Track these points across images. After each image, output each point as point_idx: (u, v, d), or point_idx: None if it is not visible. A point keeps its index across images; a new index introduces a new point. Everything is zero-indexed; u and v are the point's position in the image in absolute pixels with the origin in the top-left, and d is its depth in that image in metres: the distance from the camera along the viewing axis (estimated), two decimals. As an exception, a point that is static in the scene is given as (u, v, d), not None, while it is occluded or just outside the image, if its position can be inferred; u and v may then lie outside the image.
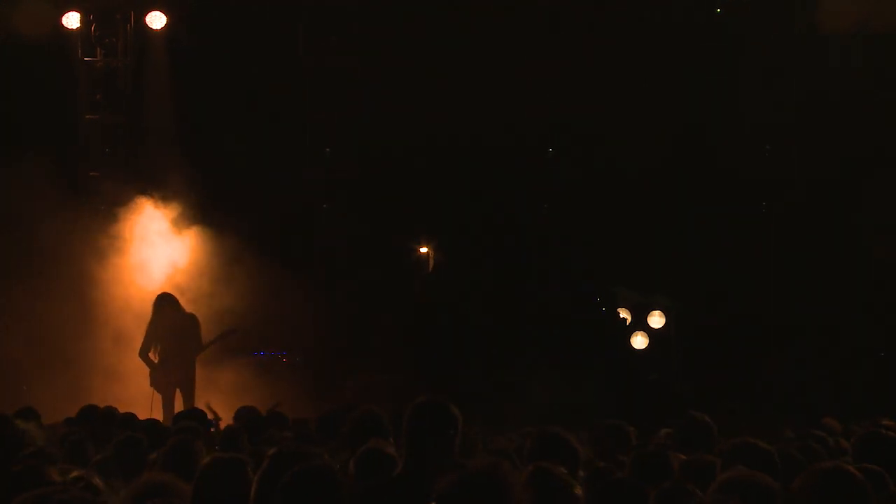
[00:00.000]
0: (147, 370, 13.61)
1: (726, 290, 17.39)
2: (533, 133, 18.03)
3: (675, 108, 17.17)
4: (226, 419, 9.54)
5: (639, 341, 17.88)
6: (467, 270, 18.28)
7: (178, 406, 12.97)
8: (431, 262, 19.24)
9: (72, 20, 16.15)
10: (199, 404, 11.87)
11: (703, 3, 18.04)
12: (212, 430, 11.43)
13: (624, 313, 18.88)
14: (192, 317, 13.93)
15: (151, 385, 13.29)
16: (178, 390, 13.35)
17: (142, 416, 10.66)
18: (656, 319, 18.44)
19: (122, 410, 10.04)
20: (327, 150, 17.14)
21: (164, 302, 13.87)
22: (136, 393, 13.51)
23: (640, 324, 18.54)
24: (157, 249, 15.74)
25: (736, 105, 17.39)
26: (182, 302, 14.16)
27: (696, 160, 17.31)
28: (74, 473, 3.70)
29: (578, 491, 3.42)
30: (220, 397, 13.03)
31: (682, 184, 17.31)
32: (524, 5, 17.23)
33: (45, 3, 15.65)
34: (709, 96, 17.23)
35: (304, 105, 17.24)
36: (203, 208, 15.86)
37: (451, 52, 16.75)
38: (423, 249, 19.31)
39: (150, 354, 13.61)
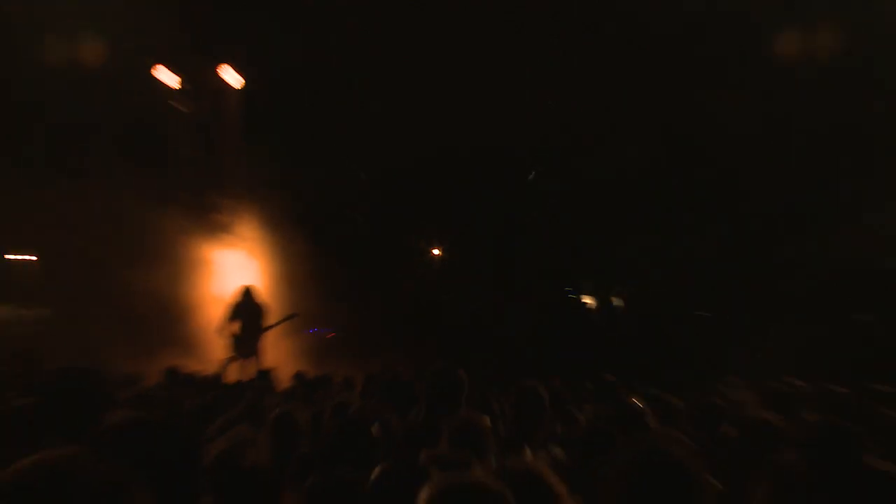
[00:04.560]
0: (221, 343, 13.73)
1: (664, 283, 17.41)
2: (526, 154, 17.95)
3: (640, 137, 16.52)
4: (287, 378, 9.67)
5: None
6: (471, 268, 18.26)
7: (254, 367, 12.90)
8: (441, 261, 19.35)
9: (163, 73, 16.03)
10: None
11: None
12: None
13: (587, 299, 19.16)
14: (262, 304, 14.13)
15: (233, 353, 13.37)
16: (251, 357, 13.46)
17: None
18: (616, 301, 18.79)
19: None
20: (362, 175, 17.17)
21: (247, 291, 14.12)
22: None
23: (606, 304, 18.87)
24: (235, 256, 15.91)
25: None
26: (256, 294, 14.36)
27: (648, 183, 16.97)
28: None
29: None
30: (286, 359, 13.36)
31: (635, 204, 17.05)
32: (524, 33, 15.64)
33: (142, 56, 15.51)
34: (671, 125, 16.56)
35: (344, 139, 16.97)
36: (267, 227, 15.91)
37: (459, 82, 15.85)
38: (436, 251, 19.43)
39: (230, 330, 13.76)
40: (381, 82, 15.67)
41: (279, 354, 14.01)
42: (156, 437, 2.29)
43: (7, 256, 16.56)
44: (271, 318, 14.13)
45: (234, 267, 15.70)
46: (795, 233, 15.81)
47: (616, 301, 19.26)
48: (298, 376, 8.98)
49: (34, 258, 16.64)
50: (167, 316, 14.52)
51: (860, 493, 2.82)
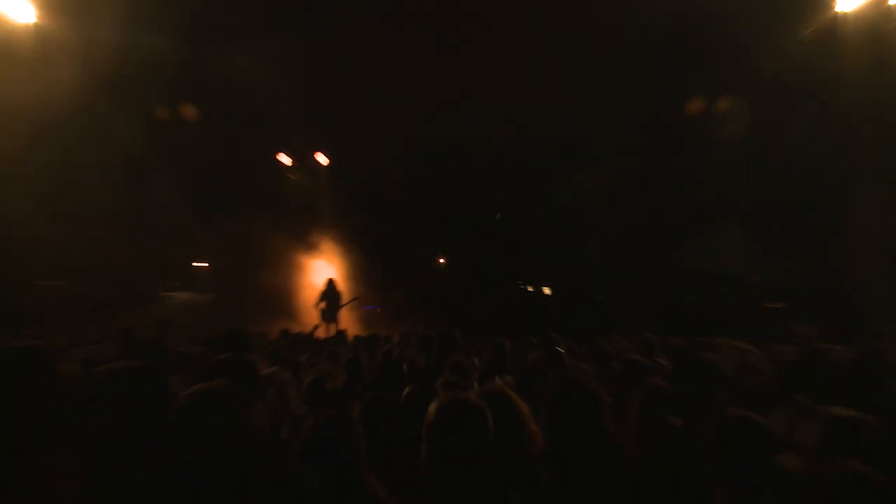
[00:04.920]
0: (316, 313, 13.55)
1: (575, 278, 17.26)
2: (494, 198, 17.53)
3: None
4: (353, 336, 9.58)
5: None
6: (462, 269, 18.14)
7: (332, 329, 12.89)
8: (444, 266, 19.24)
9: (283, 157, 16.05)
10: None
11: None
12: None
13: (530, 288, 19.02)
14: (339, 290, 13.98)
15: (322, 319, 13.21)
16: (332, 323, 13.34)
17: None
18: (546, 289, 18.60)
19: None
20: (402, 223, 16.95)
21: (330, 282, 13.97)
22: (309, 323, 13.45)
23: (540, 291, 18.70)
24: (320, 262, 15.76)
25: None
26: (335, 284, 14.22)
27: (563, 220, 16.61)
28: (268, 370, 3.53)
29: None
30: (353, 324, 13.26)
31: (556, 231, 16.77)
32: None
33: (271, 147, 15.63)
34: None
35: (385, 193, 16.73)
36: (339, 245, 15.82)
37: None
38: (441, 260, 19.33)
39: (319, 306, 13.62)
40: (407, 158, 15.50)
41: (349, 321, 13.83)
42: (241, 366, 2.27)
43: (193, 264, 16.62)
44: (344, 299, 13.96)
45: (320, 268, 15.53)
46: (656, 245, 15.72)
47: (546, 289, 19.13)
48: (357, 337, 8.91)
49: (206, 265, 16.64)
50: (281, 297, 14.42)
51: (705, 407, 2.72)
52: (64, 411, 1.81)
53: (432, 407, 1.76)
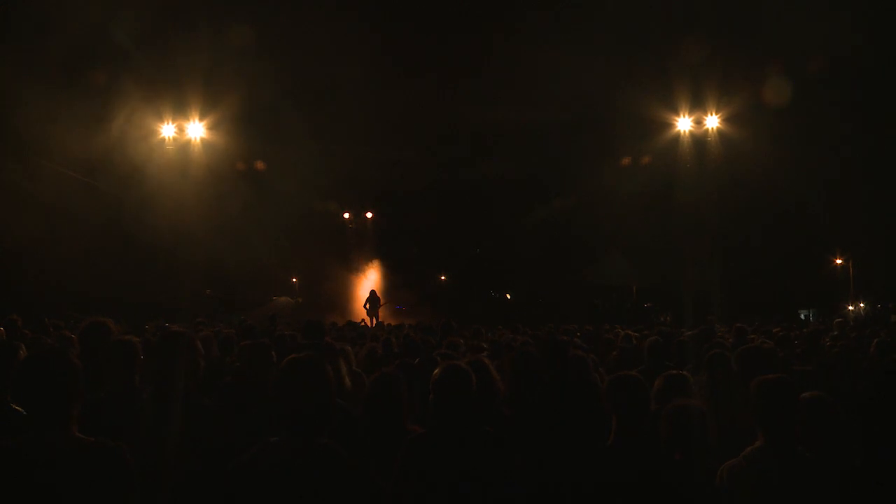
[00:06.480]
0: (362, 312, 13.15)
1: (524, 289, 16.92)
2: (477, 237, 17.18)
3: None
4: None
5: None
6: (455, 285, 17.74)
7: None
8: (446, 284, 18.97)
9: (346, 214, 15.97)
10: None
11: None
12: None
13: (508, 295, 18.65)
14: (378, 296, 13.53)
15: (368, 315, 12.69)
16: (374, 317, 13.00)
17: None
18: (509, 295, 18.18)
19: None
20: (416, 254, 16.48)
21: (372, 291, 13.52)
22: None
23: (503, 295, 18.28)
24: (366, 281, 15.49)
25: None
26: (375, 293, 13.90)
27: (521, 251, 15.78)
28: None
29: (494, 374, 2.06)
30: (387, 317, 12.83)
31: (517, 262, 16.21)
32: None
33: (339, 207, 15.59)
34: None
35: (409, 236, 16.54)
36: (378, 269, 15.61)
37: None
38: (443, 277, 19.09)
39: (366, 307, 13.27)
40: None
41: (384, 315, 13.40)
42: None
43: (292, 280, 16.57)
44: (381, 302, 13.51)
45: (366, 283, 15.10)
46: (575, 267, 15.21)
47: (509, 295, 18.82)
48: (385, 326, 8.59)
49: (297, 280, 16.52)
50: (343, 301, 14.18)
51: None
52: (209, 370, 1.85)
53: (437, 370, 1.72)
